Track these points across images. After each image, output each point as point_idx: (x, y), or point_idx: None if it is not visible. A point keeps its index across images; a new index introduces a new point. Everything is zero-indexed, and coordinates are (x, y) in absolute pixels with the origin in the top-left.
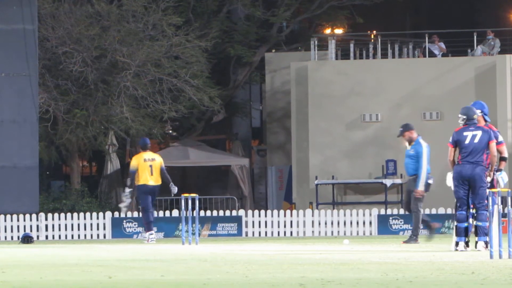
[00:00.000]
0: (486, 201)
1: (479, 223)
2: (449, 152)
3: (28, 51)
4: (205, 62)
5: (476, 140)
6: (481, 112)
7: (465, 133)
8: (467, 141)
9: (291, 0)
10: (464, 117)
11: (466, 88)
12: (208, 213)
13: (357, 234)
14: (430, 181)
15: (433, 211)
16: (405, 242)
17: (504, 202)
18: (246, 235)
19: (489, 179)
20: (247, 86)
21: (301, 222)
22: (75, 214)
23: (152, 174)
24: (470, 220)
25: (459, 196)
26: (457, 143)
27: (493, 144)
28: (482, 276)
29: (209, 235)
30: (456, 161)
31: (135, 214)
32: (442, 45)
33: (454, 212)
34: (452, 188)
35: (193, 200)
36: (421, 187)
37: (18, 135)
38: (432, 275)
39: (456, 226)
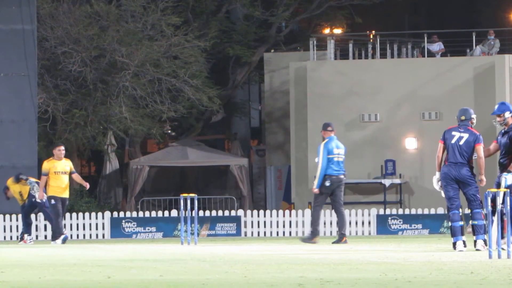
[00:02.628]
0: (479, 199)
1: (475, 222)
2: (439, 148)
3: (27, 51)
4: (204, 62)
5: (461, 142)
6: (510, 112)
7: (453, 133)
8: (452, 141)
9: (290, 0)
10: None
11: (465, 88)
12: (207, 213)
13: (356, 234)
14: (327, 183)
15: (432, 211)
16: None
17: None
18: (245, 235)
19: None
20: (246, 86)
21: (300, 222)
22: (74, 214)
23: None
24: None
25: (450, 196)
26: (445, 141)
27: (479, 147)
28: (481, 276)
29: (208, 235)
30: (443, 162)
31: (134, 214)
32: (441, 45)
33: (447, 213)
34: (438, 190)
35: (192, 200)
36: (314, 186)
37: (17, 135)
38: (431, 275)
39: (451, 226)
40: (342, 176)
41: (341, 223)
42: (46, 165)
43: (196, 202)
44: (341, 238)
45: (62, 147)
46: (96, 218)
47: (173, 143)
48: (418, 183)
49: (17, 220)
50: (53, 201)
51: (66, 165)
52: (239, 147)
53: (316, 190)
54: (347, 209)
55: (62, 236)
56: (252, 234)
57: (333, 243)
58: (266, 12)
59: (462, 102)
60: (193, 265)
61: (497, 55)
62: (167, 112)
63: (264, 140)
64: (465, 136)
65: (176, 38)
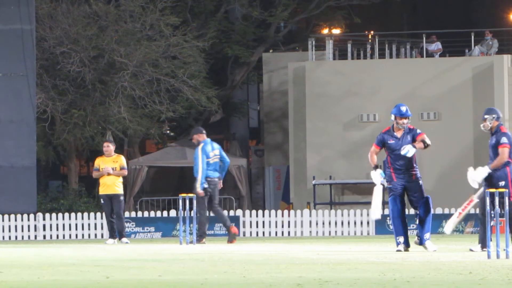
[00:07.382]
0: None
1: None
2: (507, 151)
3: (25, 51)
4: (202, 62)
5: None
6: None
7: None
8: None
9: (288, 0)
10: (501, 115)
11: (464, 88)
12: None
13: (355, 234)
14: (205, 185)
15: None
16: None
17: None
18: (244, 235)
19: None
20: (244, 86)
21: (299, 222)
22: (72, 214)
23: None
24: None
25: None
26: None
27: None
28: (479, 276)
29: (207, 235)
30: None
31: (133, 214)
32: (438, 45)
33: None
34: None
35: (191, 200)
36: (198, 188)
37: (15, 135)
38: (429, 275)
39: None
40: (216, 179)
41: (223, 220)
42: (96, 161)
43: (195, 202)
44: (229, 230)
45: (106, 143)
46: (95, 218)
47: (171, 144)
48: None
49: (15, 220)
50: (102, 201)
51: (113, 161)
52: (238, 147)
53: (201, 192)
54: (346, 209)
55: (108, 240)
56: (250, 234)
57: (228, 242)
58: (264, 12)
59: (461, 102)
60: (192, 265)
61: (495, 55)
62: (165, 112)
63: (262, 140)
64: None
65: (174, 38)
